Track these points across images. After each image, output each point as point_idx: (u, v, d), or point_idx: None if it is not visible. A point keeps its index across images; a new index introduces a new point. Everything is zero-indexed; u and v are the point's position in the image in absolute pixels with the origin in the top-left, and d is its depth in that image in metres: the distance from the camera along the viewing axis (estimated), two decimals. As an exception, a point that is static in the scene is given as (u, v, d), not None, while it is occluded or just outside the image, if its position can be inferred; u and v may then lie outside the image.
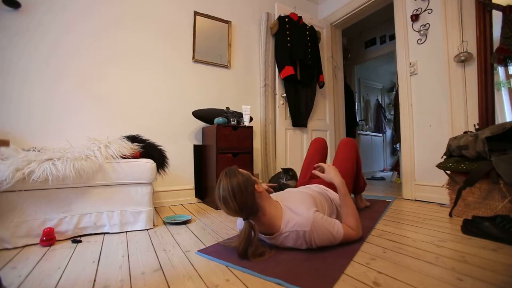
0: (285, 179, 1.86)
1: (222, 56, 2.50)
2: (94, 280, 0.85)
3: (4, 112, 1.63)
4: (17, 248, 1.15)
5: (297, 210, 1.01)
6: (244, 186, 0.96)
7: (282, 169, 1.98)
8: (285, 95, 2.64)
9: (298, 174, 1.78)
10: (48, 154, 1.29)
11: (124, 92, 2.03)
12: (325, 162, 1.69)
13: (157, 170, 1.61)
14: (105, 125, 1.93)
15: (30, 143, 1.63)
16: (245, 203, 0.95)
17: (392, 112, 4.41)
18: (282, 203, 1.08)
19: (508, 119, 1.78)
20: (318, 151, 1.69)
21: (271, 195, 1.28)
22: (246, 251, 0.96)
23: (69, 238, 1.27)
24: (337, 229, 1.02)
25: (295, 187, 1.62)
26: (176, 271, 0.91)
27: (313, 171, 1.24)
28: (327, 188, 1.36)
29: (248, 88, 2.66)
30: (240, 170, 1.03)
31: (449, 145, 1.66)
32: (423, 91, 2.12)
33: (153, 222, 1.49)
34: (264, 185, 1.33)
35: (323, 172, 1.21)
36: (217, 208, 1.93)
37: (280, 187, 1.74)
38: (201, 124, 2.30)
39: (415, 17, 2.15)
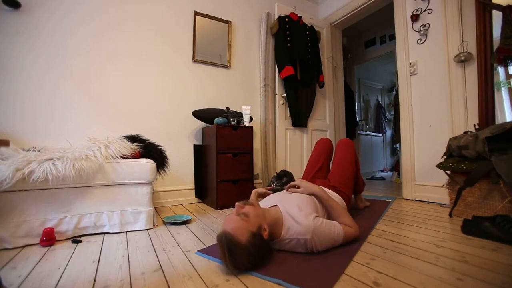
0: (275, 184, 1.87)
1: (222, 56, 2.50)
2: (94, 280, 0.85)
3: (4, 112, 1.63)
4: (17, 248, 1.15)
5: (297, 218, 1.00)
6: (259, 249, 0.88)
7: (277, 173, 1.97)
8: (285, 95, 2.63)
9: (297, 174, 1.78)
10: (48, 154, 1.29)
11: (125, 93, 2.03)
12: (329, 164, 1.68)
13: (157, 170, 1.60)
14: (105, 125, 1.93)
15: (31, 143, 1.63)
16: (263, 255, 0.94)
17: (392, 112, 4.41)
18: (282, 207, 1.07)
19: (508, 119, 1.78)
20: (323, 152, 1.66)
21: (269, 195, 1.29)
22: None
23: (69, 238, 1.27)
24: (337, 232, 1.03)
25: None
26: (176, 271, 0.91)
27: (289, 190, 1.23)
28: (328, 190, 1.35)
29: (248, 88, 2.66)
30: (231, 230, 0.85)
31: (449, 145, 1.66)
32: (423, 91, 2.12)
33: (153, 222, 1.49)
34: (263, 189, 1.34)
35: (299, 188, 1.21)
36: (217, 208, 1.93)
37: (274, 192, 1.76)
38: (201, 124, 2.30)
39: (415, 17, 2.15)
